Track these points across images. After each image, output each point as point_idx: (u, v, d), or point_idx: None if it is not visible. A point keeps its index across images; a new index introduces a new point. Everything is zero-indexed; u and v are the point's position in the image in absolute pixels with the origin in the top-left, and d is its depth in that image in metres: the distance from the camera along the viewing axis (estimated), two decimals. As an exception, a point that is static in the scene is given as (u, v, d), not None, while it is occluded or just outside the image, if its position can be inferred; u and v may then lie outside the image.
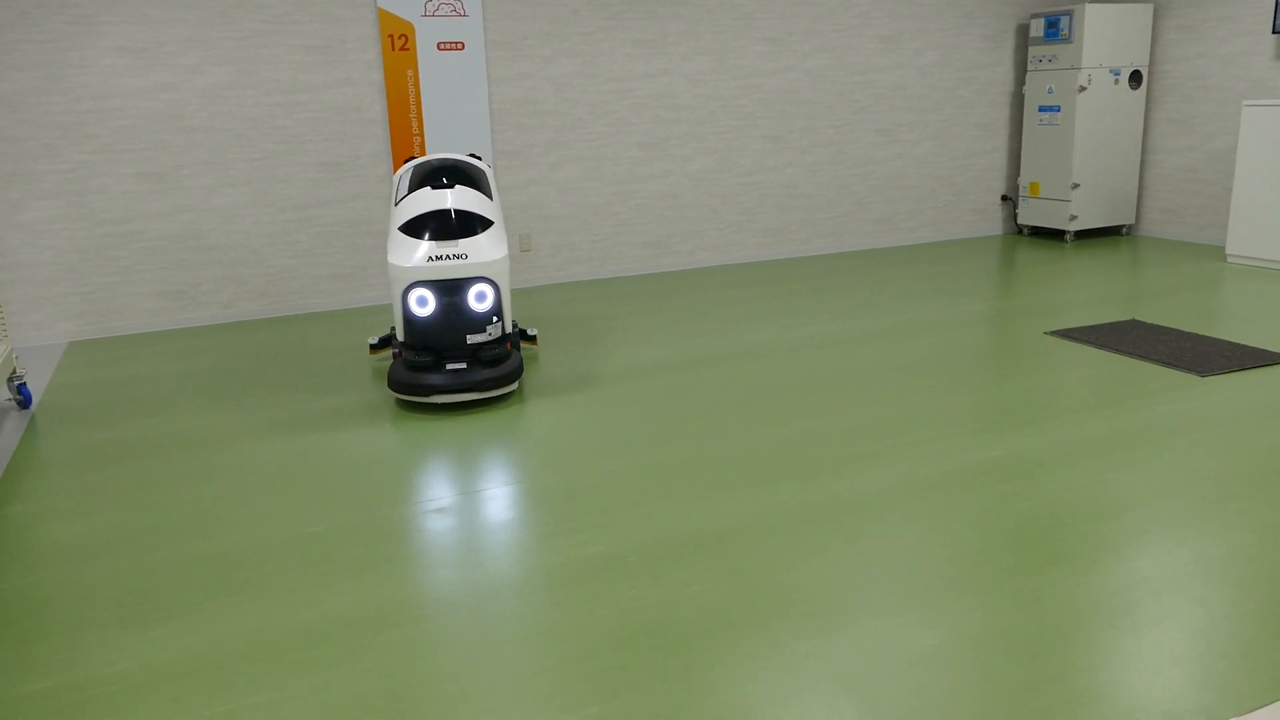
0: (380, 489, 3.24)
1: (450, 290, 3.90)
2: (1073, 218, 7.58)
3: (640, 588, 2.52)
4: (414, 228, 3.93)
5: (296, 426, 3.90)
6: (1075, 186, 7.51)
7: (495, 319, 3.98)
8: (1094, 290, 5.89)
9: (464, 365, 3.96)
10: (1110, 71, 7.38)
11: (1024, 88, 7.84)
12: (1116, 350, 4.53)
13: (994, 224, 8.23)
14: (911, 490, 3.07)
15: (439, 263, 3.86)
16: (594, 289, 6.49)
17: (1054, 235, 8.01)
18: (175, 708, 2.07)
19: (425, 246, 3.89)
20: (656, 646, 2.25)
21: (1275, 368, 4.20)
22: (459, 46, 6.10)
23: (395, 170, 5.53)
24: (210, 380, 4.64)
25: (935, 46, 7.59)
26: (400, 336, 4.01)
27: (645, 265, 7.00)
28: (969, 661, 2.15)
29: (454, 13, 6.05)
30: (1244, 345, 4.53)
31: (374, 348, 4.75)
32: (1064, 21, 7.31)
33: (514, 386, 4.10)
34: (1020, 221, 8.04)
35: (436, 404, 4.04)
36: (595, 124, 6.60)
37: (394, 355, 4.27)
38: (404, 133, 6.08)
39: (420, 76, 6.05)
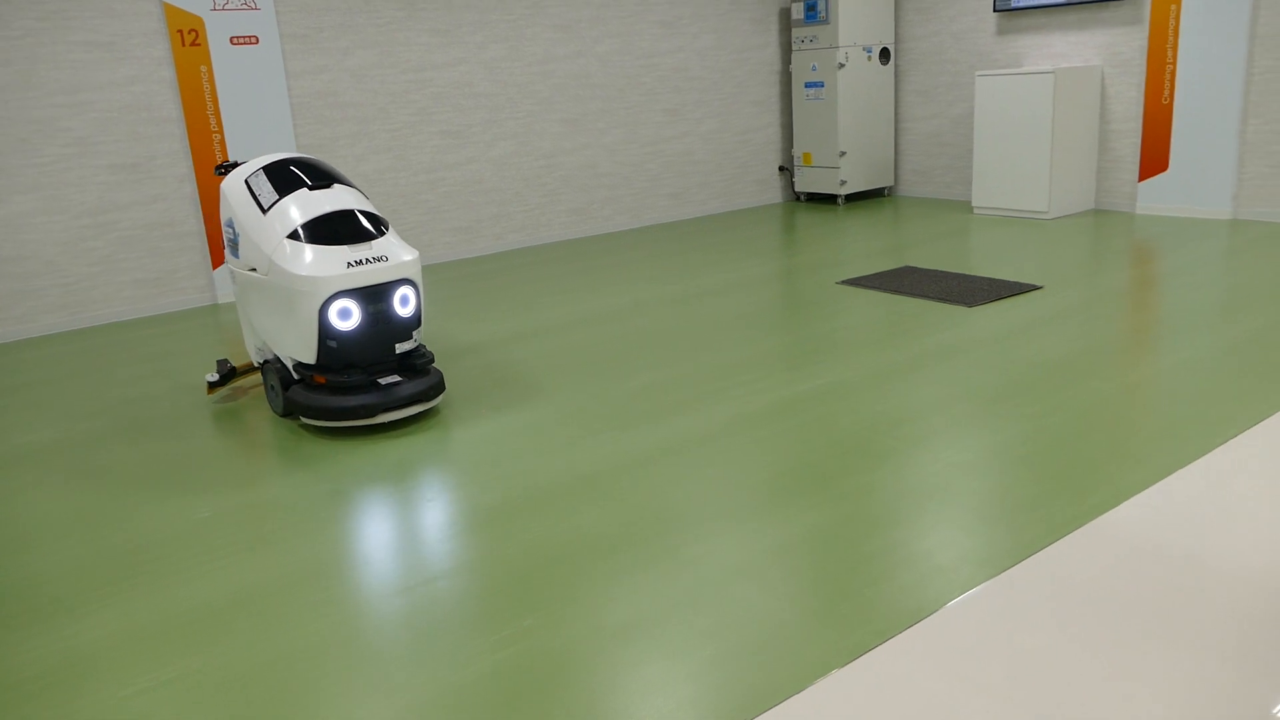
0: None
1: (375, 297, 3.54)
2: (843, 183, 8.38)
3: (537, 524, 2.81)
4: (313, 233, 3.53)
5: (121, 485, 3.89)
6: (843, 154, 8.31)
7: (419, 323, 3.71)
8: (870, 244, 6.62)
9: (397, 378, 3.66)
10: (864, 49, 8.21)
11: (791, 66, 8.57)
12: (898, 292, 5.20)
13: (775, 193, 8.94)
14: (747, 421, 3.52)
15: (360, 269, 3.50)
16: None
17: (828, 200, 8.81)
18: None
19: (340, 252, 3.49)
20: (562, 567, 2.55)
21: (1025, 295, 4.97)
22: (253, 40, 6.04)
23: (217, 176, 4.80)
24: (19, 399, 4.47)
25: (711, 30, 8.16)
26: (305, 357, 3.57)
27: (457, 251, 7.18)
28: (820, 545, 2.59)
29: (245, 6, 5.98)
30: (999, 279, 5.32)
31: (214, 385, 4.14)
32: (821, 4, 8.05)
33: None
34: (798, 189, 8.79)
35: (338, 426, 3.68)
36: (398, 114, 6.71)
37: (276, 383, 3.79)
38: (202, 131, 5.96)
39: (215, 72, 5.95)
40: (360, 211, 3.67)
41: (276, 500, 3.11)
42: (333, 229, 3.55)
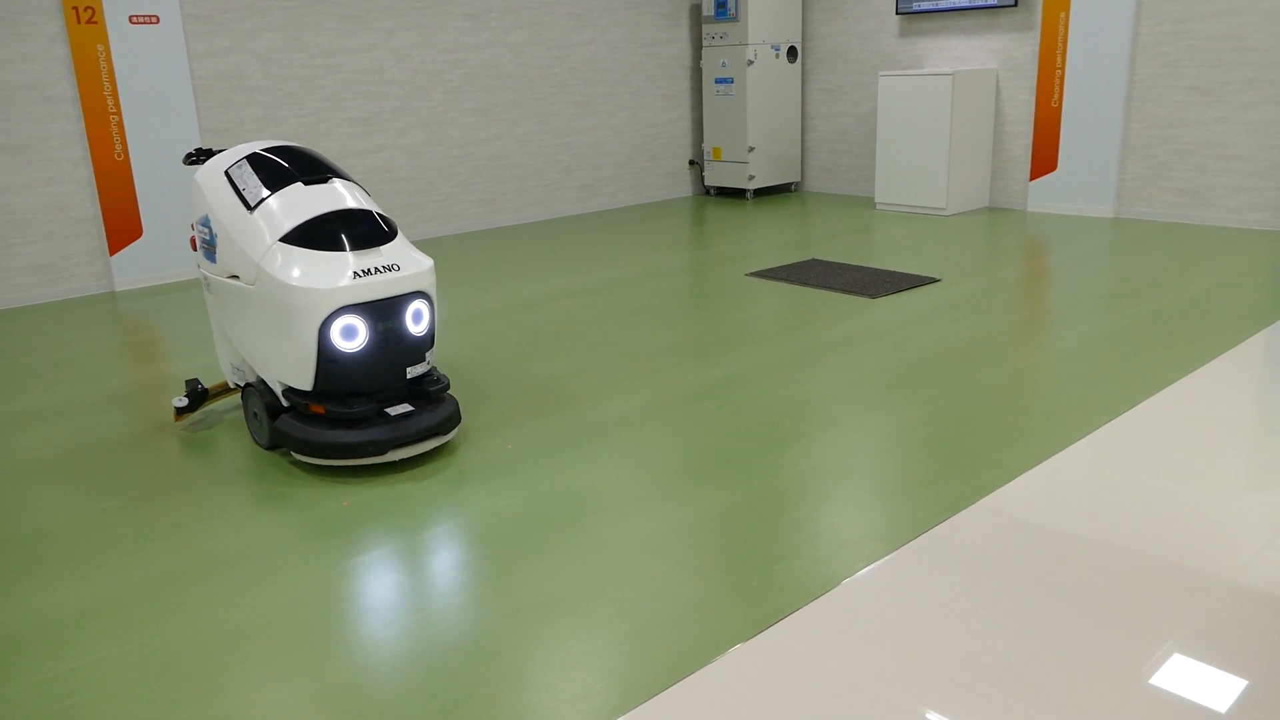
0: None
1: (385, 313, 3.04)
2: (751, 177, 8.55)
3: (474, 510, 2.85)
4: (310, 237, 3.02)
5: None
6: (751, 150, 8.48)
7: (432, 343, 3.25)
8: (777, 238, 6.78)
9: (408, 406, 3.15)
10: (772, 47, 8.38)
11: (701, 62, 8.70)
12: (804, 283, 5.35)
13: (685, 186, 9.07)
14: (663, 406, 3.60)
15: (368, 279, 3.00)
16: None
17: (737, 194, 8.98)
18: None
19: (344, 260, 3.00)
20: (482, 548, 2.60)
21: (924, 287, 5.18)
22: (153, 20, 5.87)
23: (188, 165, 3.90)
24: (-84, 382, 4.28)
25: (621, 24, 8.22)
26: (299, 382, 3.05)
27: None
28: (730, 523, 2.69)
29: (145, -15, 5.81)
30: (900, 272, 5.52)
31: (183, 410, 3.59)
32: (731, 2, 8.19)
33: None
34: (708, 183, 8.93)
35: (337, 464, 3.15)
36: (306, 100, 6.60)
37: (260, 410, 3.27)
38: (99, 112, 5.77)
39: (113, 52, 5.76)
40: (366, 212, 3.18)
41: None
42: (334, 232, 3.05)
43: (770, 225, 7.32)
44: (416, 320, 3.13)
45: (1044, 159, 7.28)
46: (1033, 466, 2.95)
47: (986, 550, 2.47)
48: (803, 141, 8.99)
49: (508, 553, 2.56)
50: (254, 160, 3.24)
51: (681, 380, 3.88)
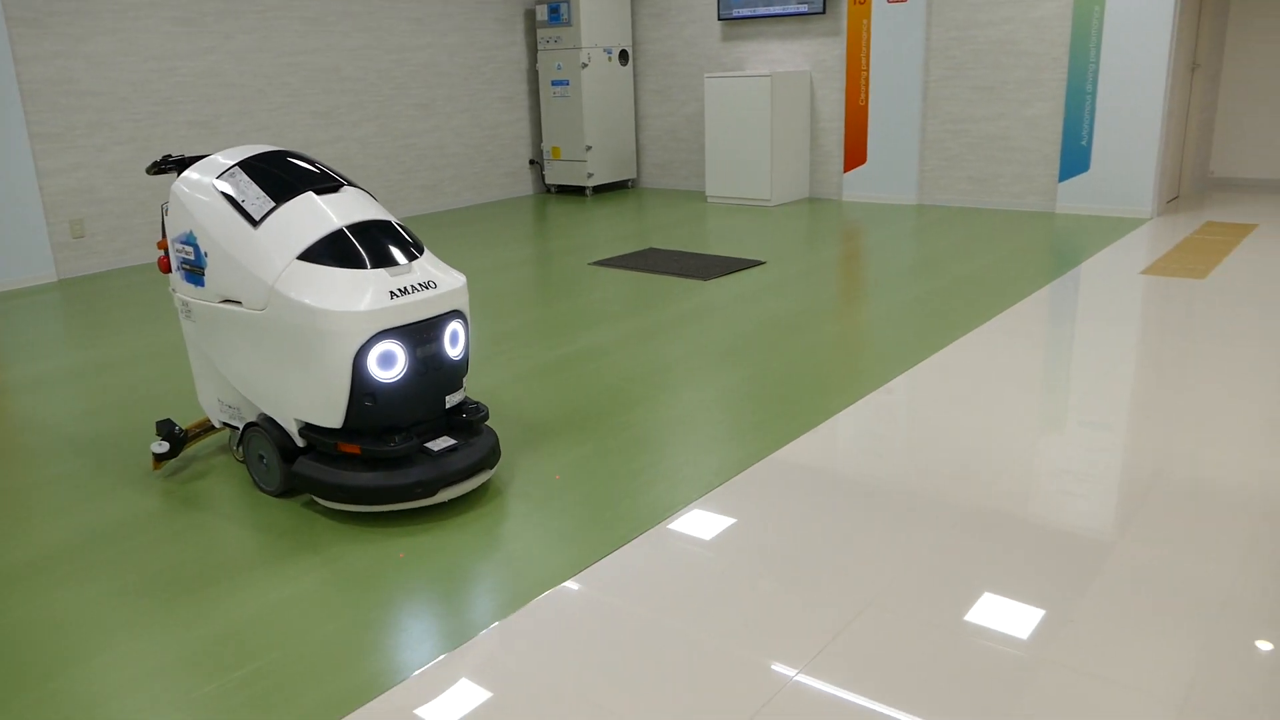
0: (37, 451, 3.35)
1: (425, 337, 2.73)
2: (590, 175, 8.95)
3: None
4: (333, 254, 2.67)
5: None
6: (589, 149, 8.88)
7: (467, 368, 2.98)
8: (617, 230, 7.21)
9: (451, 440, 2.84)
10: (604, 51, 8.81)
11: (537, 65, 9.04)
12: (643, 270, 5.79)
13: (526, 185, 9.38)
14: (525, 377, 3.94)
15: (406, 299, 2.68)
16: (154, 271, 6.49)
17: (576, 191, 9.36)
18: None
19: (378, 278, 2.67)
20: (347, 523, 2.88)
21: (751, 269, 5.70)
22: (-25, 23, 5.74)
23: (153, 175, 3.54)
24: None
25: (458, 28, 8.47)
26: (325, 419, 2.71)
27: (211, 242, 7.09)
28: (586, 471, 3.06)
29: (-35, -13, 5.68)
30: (730, 257, 6.04)
31: (161, 458, 3.14)
32: (564, 8, 8.57)
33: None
34: (548, 181, 9.28)
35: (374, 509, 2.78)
36: (140, 104, 6.56)
37: (270, 452, 2.89)
38: (-80, 116, 5.60)
39: (-68, 55, 5.60)
40: (390, 223, 2.85)
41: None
42: (360, 247, 2.71)
43: (609, 219, 7.74)
44: (454, 343, 2.83)
45: (855, 153, 7.99)
46: (845, 408, 3.45)
47: (810, 476, 2.93)
48: (637, 140, 9.47)
49: (375, 518, 2.84)
50: (250, 168, 2.87)
51: (539, 356, 4.22)
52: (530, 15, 9.09)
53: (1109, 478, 2.84)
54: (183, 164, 3.03)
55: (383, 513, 2.81)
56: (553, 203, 8.79)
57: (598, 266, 5.97)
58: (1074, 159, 6.98)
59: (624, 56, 9.02)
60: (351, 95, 7.76)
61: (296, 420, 2.79)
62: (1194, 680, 1.93)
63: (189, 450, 3.35)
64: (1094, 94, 6.80)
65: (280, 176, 2.84)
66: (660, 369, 4.00)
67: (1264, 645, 2.03)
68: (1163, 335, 4.15)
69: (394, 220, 2.87)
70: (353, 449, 2.72)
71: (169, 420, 3.16)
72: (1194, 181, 7.93)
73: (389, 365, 2.67)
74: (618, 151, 9.19)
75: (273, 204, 2.75)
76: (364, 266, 2.67)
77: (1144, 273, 5.24)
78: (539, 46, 8.88)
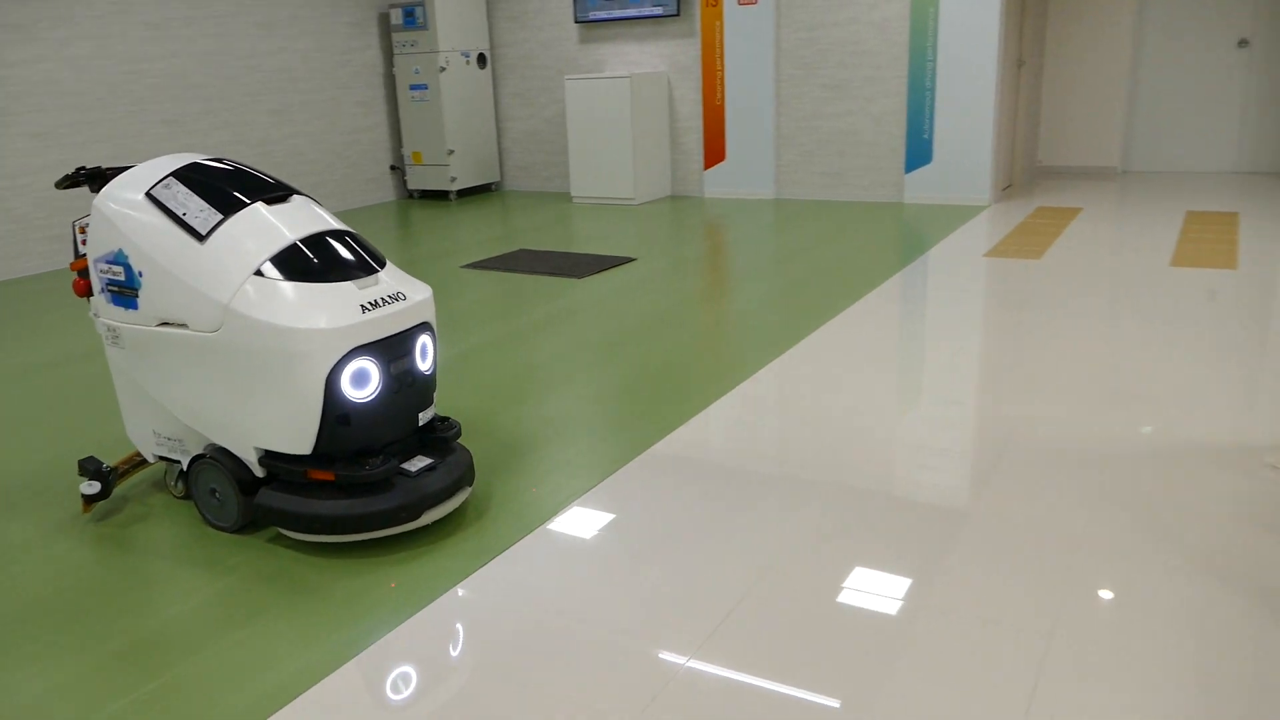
0: None
1: (397, 352, 2.59)
2: (453, 179, 8.92)
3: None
4: (295, 268, 2.51)
5: None
6: (451, 153, 8.85)
7: (435, 382, 2.82)
8: (485, 232, 7.23)
9: (427, 460, 2.71)
10: (462, 54, 8.80)
11: (394, 69, 8.94)
12: (516, 270, 5.84)
13: (388, 191, 9.27)
14: (403, 383, 3.95)
15: (377, 312, 2.54)
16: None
17: (440, 195, 9.31)
18: None
19: (346, 292, 2.52)
20: (255, 513, 2.84)
21: (623, 266, 5.83)
22: None
23: (64, 189, 2.93)
24: None
25: (310, 33, 8.30)
26: (293, 445, 2.54)
27: (55, 261, 6.75)
28: (482, 467, 3.12)
29: None
30: (600, 255, 6.15)
31: (93, 499, 2.87)
32: (419, 11, 8.51)
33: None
34: (411, 186, 9.19)
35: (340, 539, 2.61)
36: (-30, 115, 6.19)
37: (226, 485, 2.69)
38: None
39: None
40: (350, 233, 2.72)
41: None
42: (323, 259, 2.56)
43: (476, 222, 7.75)
44: (424, 357, 2.71)
45: (714, 150, 8.24)
46: (724, 394, 3.61)
47: (702, 458, 3.07)
48: (499, 143, 9.48)
49: (283, 514, 2.83)
50: (186, 179, 2.66)
51: (442, 350, 4.23)
52: (385, 19, 8.98)
53: (965, 447, 3.09)
54: (97, 176, 2.81)
55: (343, 541, 2.62)
56: (417, 208, 8.72)
57: (469, 270, 5.99)
58: (918, 152, 7.41)
59: (482, 60, 9.02)
60: (201, 103, 7.51)
61: (257, 449, 2.61)
62: (1058, 612, 2.15)
63: (118, 489, 3.09)
64: (933, 90, 7.23)
65: (222, 187, 2.65)
66: (542, 365, 4.08)
67: (1115, 575, 2.28)
68: (1005, 311, 4.49)
69: (351, 230, 2.74)
70: (326, 475, 2.55)
71: (93, 457, 2.89)
72: (1025, 170, 8.52)
73: (363, 384, 2.53)
74: (480, 155, 9.19)
75: (220, 216, 2.57)
76: (329, 280, 2.52)
77: (986, 255, 5.63)
78: (395, 50, 8.79)
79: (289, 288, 2.48)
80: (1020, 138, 8.18)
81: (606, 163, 8.25)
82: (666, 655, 2.09)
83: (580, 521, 2.71)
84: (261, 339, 2.44)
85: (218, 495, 2.74)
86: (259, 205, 2.61)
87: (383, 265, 2.67)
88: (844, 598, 2.26)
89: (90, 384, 4.15)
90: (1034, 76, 8.39)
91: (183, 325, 2.58)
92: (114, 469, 2.92)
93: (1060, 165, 8.83)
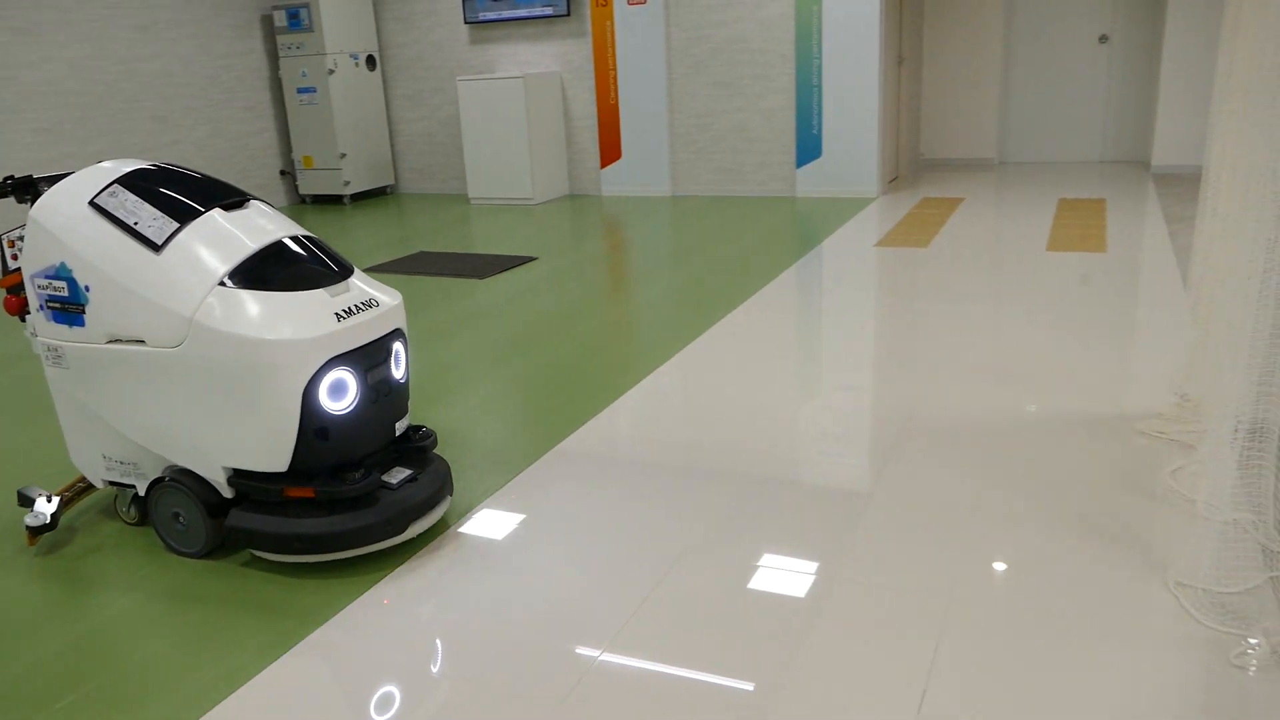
0: None
1: (373, 360, 2.50)
2: (347, 183, 8.78)
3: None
4: (261, 277, 2.40)
5: None
6: (343, 156, 8.71)
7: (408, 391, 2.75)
8: (383, 236, 7.15)
9: (407, 471, 2.63)
10: (350, 56, 8.67)
11: (280, 72, 8.74)
12: (418, 273, 5.81)
13: (279, 197, 9.07)
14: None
15: (351, 321, 2.44)
16: None
17: (334, 200, 9.15)
18: None
19: (318, 301, 2.41)
20: (164, 527, 2.79)
21: (524, 266, 5.86)
22: None
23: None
24: None
25: (191, 36, 8.06)
26: (267, 463, 2.42)
27: None
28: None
29: None
30: (501, 255, 6.17)
31: (39, 530, 2.68)
32: (304, 13, 8.35)
33: None
34: (302, 192, 9.01)
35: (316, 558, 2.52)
36: None
37: (193, 508, 2.56)
38: None
39: None
40: (316, 239, 2.61)
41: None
42: (290, 267, 2.46)
43: (373, 226, 7.65)
44: (398, 364, 2.62)
45: (610, 149, 8.32)
46: (625, 393, 3.69)
47: (611, 451, 3.13)
48: (392, 146, 9.37)
49: (194, 526, 2.78)
50: (134, 185, 2.51)
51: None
52: (268, 21, 8.78)
53: (864, 430, 3.23)
54: (25, 185, 2.65)
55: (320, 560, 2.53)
56: (311, 213, 8.55)
57: (369, 273, 5.92)
58: (808, 147, 7.63)
59: (371, 61, 8.91)
60: (77, 110, 7.23)
61: (225, 468, 2.48)
62: (957, 574, 2.29)
63: (63, 518, 2.89)
64: (820, 87, 7.46)
65: (173, 194, 2.50)
66: (451, 366, 4.09)
67: (1007, 538, 2.43)
68: (897, 299, 4.69)
69: (314, 236, 2.63)
70: (305, 492, 2.45)
71: (33, 487, 2.71)
72: (910, 163, 8.85)
73: (341, 395, 2.43)
74: (373, 158, 9.07)
75: (175, 225, 2.42)
76: (300, 288, 2.41)
77: (877, 245, 5.86)
78: (280, 53, 8.61)
79: (258, 297, 2.36)
80: (904, 132, 8.50)
81: (503, 163, 8.25)
82: (580, 649, 2.13)
83: (491, 521, 2.74)
84: (231, 352, 2.32)
85: (182, 520, 2.60)
86: (215, 212, 2.49)
87: (351, 271, 2.57)
88: (754, 583, 2.35)
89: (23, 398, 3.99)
90: (914, 73, 8.72)
91: (138, 341, 2.43)
92: (61, 497, 2.73)
93: (942, 158, 9.20)
